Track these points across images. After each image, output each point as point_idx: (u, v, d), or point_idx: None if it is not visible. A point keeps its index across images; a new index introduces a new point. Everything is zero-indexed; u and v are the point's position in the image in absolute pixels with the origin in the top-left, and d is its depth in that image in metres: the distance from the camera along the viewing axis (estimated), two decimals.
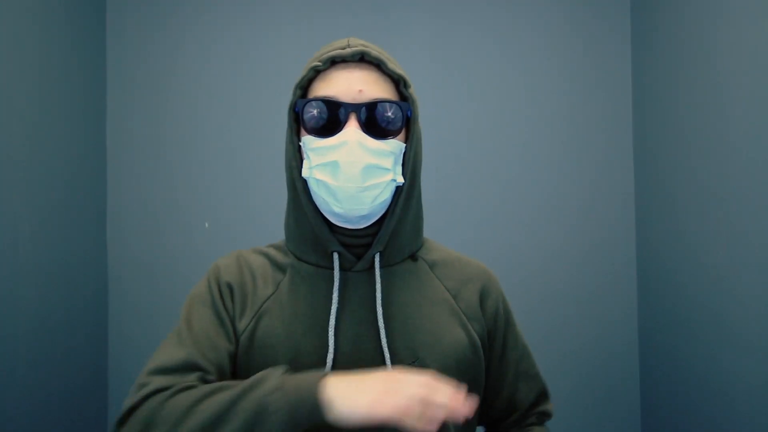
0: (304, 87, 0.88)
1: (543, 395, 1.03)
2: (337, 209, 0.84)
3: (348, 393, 0.72)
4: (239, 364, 0.86)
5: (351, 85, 0.84)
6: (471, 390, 0.92)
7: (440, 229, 2.23)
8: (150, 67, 2.13)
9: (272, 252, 0.95)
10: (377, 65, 0.86)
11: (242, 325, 0.87)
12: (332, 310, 0.85)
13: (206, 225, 2.11)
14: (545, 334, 2.13)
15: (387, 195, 0.86)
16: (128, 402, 0.78)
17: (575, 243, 2.16)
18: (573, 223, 2.16)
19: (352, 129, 0.82)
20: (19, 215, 1.58)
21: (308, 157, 0.86)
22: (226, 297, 0.88)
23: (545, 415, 1.03)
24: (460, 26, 2.17)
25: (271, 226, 2.15)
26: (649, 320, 2.07)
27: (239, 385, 0.74)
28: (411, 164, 0.88)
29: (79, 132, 1.92)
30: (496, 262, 2.13)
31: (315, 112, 0.84)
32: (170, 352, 0.82)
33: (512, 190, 2.16)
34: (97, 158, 2.05)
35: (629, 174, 2.17)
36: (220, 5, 2.14)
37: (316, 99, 0.84)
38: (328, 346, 0.84)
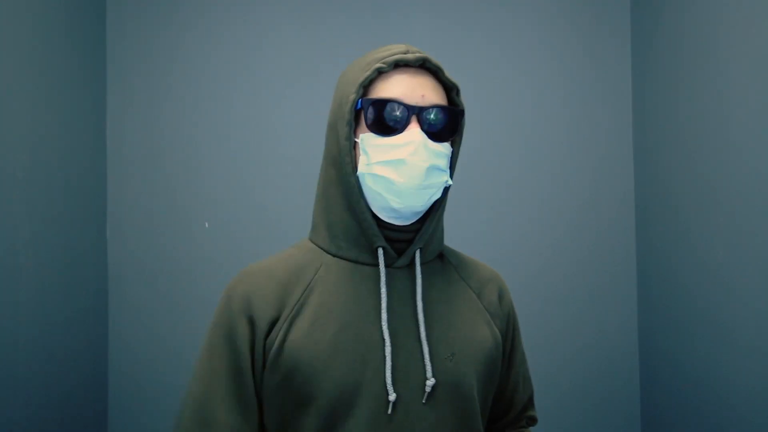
0: (365, 86, 0.90)
1: (531, 399, 1.10)
2: (395, 204, 0.87)
3: None
4: (273, 369, 0.87)
5: (414, 88, 0.88)
6: (490, 385, 0.97)
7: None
8: (150, 68, 2.12)
9: (294, 254, 0.96)
10: (434, 72, 0.92)
11: (272, 336, 0.88)
12: (383, 306, 0.88)
13: (206, 225, 2.11)
14: (545, 335, 2.13)
15: (439, 194, 0.91)
16: None
17: (575, 243, 2.16)
18: (573, 224, 2.16)
19: (417, 130, 0.86)
20: (19, 216, 1.58)
21: (366, 153, 0.88)
22: (243, 331, 0.89)
23: (533, 420, 1.09)
24: (460, 27, 2.17)
25: (271, 225, 2.16)
26: (649, 321, 2.07)
27: None
28: (454, 168, 0.94)
29: (79, 133, 1.92)
30: (495, 262, 2.13)
31: (379, 111, 0.87)
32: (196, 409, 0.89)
33: (512, 190, 2.16)
34: (97, 158, 2.05)
35: (629, 174, 2.17)
36: (221, 6, 2.14)
37: (383, 99, 0.87)
38: (383, 340, 0.87)
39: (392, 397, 0.84)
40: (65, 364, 1.80)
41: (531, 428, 1.09)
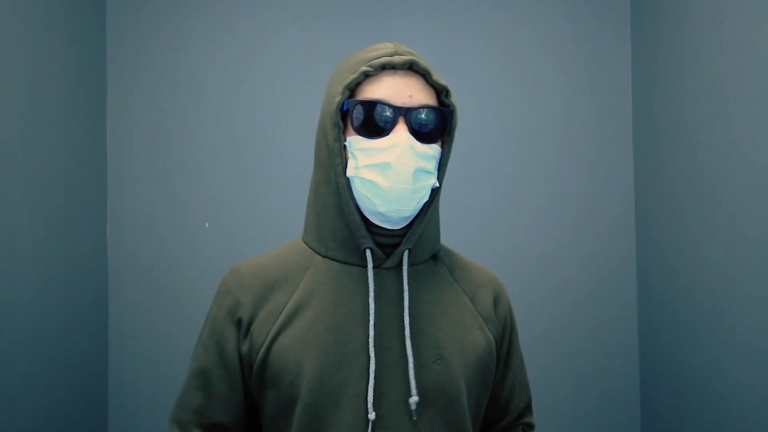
0: (352, 88, 0.88)
1: (529, 405, 1.08)
2: (382, 209, 0.86)
3: None
4: (262, 369, 0.88)
5: (401, 89, 0.86)
6: (483, 390, 0.95)
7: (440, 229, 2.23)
8: (150, 67, 2.12)
9: (287, 253, 0.96)
10: (423, 75, 0.89)
11: (261, 335, 0.89)
12: (371, 307, 0.87)
13: (206, 225, 2.11)
14: (545, 334, 2.13)
15: (427, 197, 0.90)
16: None
17: (575, 243, 2.16)
18: (573, 223, 2.17)
19: (403, 132, 0.85)
20: (19, 215, 1.58)
21: (354, 156, 0.87)
22: (230, 334, 0.91)
23: (530, 427, 1.08)
24: (459, 28, 2.17)
25: (270, 225, 2.16)
26: (648, 320, 2.07)
27: None
28: (445, 169, 0.92)
29: (79, 132, 1.92)
30: (495, 261, 2.13)
31: (366, 112, 0.86)
32: (187, 399, 0.92)
33: (512, 190, 2.16)
34: (97, 158, 2.05)
35: (629, 174, 2.17)
36: (222, 5, 2.14)
37: (369, 100, 0.86)
38: (367, 340, 0.86)
39: (372, 416, 0.83)
40: (65, 364, 1.80)
41: None
